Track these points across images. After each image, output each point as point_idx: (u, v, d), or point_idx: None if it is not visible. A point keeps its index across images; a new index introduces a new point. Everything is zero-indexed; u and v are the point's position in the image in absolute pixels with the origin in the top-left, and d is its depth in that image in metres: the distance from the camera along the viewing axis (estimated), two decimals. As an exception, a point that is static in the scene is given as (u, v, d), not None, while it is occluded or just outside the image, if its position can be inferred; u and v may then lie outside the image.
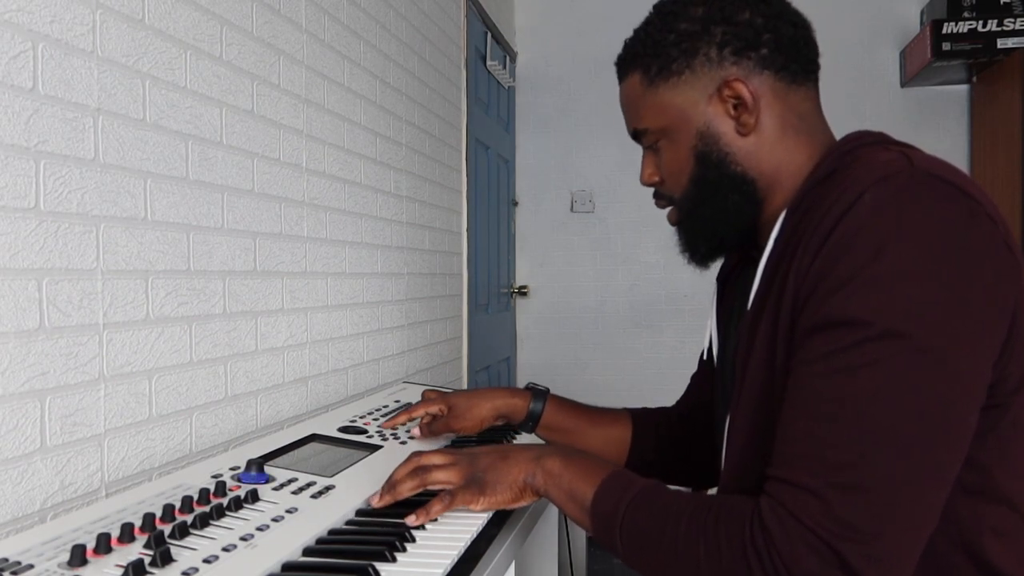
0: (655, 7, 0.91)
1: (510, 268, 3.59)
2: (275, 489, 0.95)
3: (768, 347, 0.77)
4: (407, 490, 0.91)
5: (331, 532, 0.86)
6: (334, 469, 1.06)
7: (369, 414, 1.41)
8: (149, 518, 0.78)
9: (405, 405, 1.42)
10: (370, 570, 0.73)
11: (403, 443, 1.24)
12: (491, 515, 0.93)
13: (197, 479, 0.95)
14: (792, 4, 0.88)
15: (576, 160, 3.64)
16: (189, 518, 0.81)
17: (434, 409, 1.22)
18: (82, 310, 0.94)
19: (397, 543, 0.80)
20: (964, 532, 0.72)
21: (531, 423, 1.17)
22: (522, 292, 3.65)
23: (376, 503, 0.92)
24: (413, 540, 0.83)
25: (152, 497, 0.88)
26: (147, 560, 0.70)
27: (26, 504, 0.86)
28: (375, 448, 1.19)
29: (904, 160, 0.71)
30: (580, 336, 3.64)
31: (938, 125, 3.32)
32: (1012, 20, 2.92)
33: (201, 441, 1.16)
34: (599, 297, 3.64)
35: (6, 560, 0.68)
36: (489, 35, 3.04)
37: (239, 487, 0.94)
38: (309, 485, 0.97)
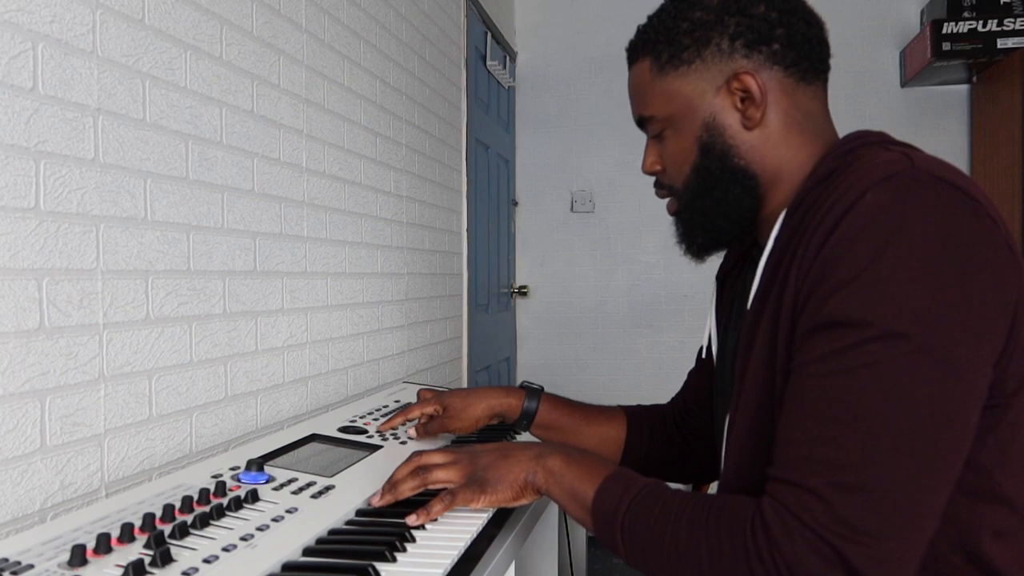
0: None
1: (510, 268, 3.59)
2: (275, 489, 0.95)
3: (769, 347, 0.77)
4: (408, 490, 0.91)
5: (331, 532, 0.86)
6: (334, 469, 1.06)
7: (369, 414, 1.41)
8: (149, 518, 0.78)
9: (404, 406, 1.42)
10: (370, 570, 0.73)
11: (403, 443, 1.24)
12: (491, 515, 0.93)
13: (197, 479, 0.95)
14: (807, 3, 0.88)
15: (576, 160, 3.65)
16: (189, 518, 0.81)
17: (429, 409, 1.22)
18: (82, 310, 0.94)
19: (397, 543, 0.80)
20: (963, 533, 0.72)
21: (525, 421, 1.17)
22: (522, 292, 3.65)
23: (377, 502, 0.92)
24: (413, 540, 0.83)
25: (152, 497, 0.87)
26: (147, 560, 0.70)
27: (26, 504, 0.86)
28: (375, 448, 1.19)
29: (906, 160, 0.71)
30: (580, 336, 3.64)
31: (938, 125, 3.32)
32: (1012, 20, 2.92)
33: (201, 441, 1.16)
34: (599, 297, 3.64)
35: (6, 560, 0.68)
36: (489, 35, 3.04)
37: (239, 487, 0.94)
38: (309, 485, 0.97)
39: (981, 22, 2.93)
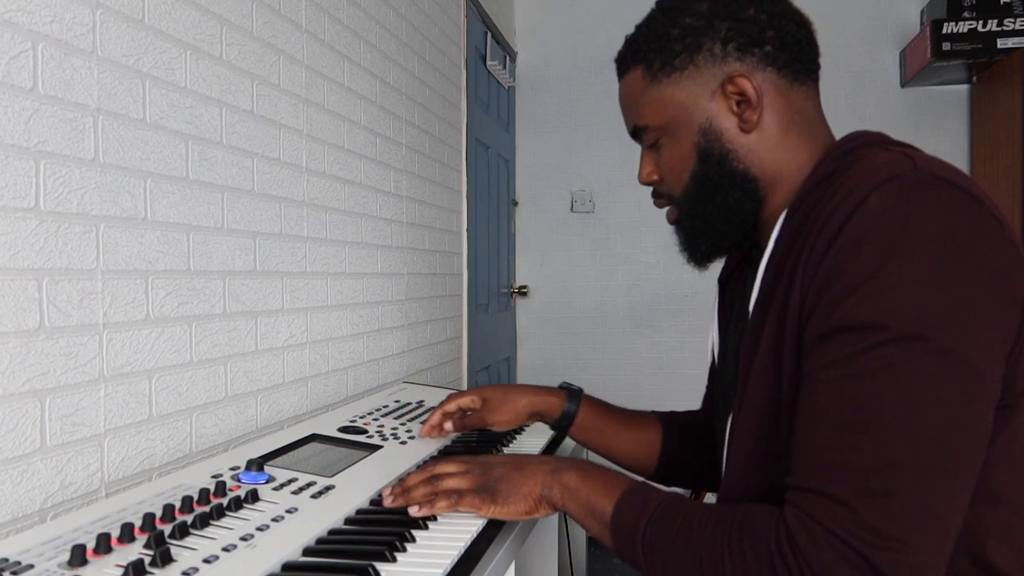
0: (658, 3, 0.91)
1: (510, 268, 3.59)
2: (275, 489, 0.95)
3: (773, 353, 0.77)
4: (419, 496, 0.90)
5: (331, 532, 0.86)
6: (334, 469, 1.06)
7: (369, 414, 1.41)
8: (149, 518, 0.78)
9: (423, 408, 1.37)
10: (370, 570, 0.73)
11: (403, 443, 1.24)
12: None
13: (197, 479, 0.95)
14: (794, 3, 0.88)
15: (576, 160, 3.65)
16: (189, 518, 0.81)
17: (467, 401, 1.21)
18: (82, 310, 0.94)
19: (397, 543, 0.80)
20: (968, 535, 0.71)
21: (566, 423, 1.16)
22: (522, 292, 3.65)
23: (388, 503, 0.92)
24: (413, 540, 0.83)
25: (152, 497, 0.87)
26: (147, 560, 0.70)
27: (26, 504, 0.86)
28: (375, 448, 1.19)
29: (906, 161, 0.71)
30: (580, 336, 3.64)
31: (938, 125, 3.32)
32: (1012, 20, 2.92)
33: (201, 441, 1.16)
34: (599, 297, 3.64)
35: (6, 560, 0.68)
36: (489, 35, 3.04)
37: (239, 487, 0.94)
38: (309, 485, 0.97)
39: (981, 22, 2.93)
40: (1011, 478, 0.72)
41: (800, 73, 0.85)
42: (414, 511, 0.87)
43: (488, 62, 3.02)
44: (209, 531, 0.79)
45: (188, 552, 0.74)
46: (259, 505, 0.89)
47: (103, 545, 0.72)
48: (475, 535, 0.87)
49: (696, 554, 0.72)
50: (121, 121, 1.00)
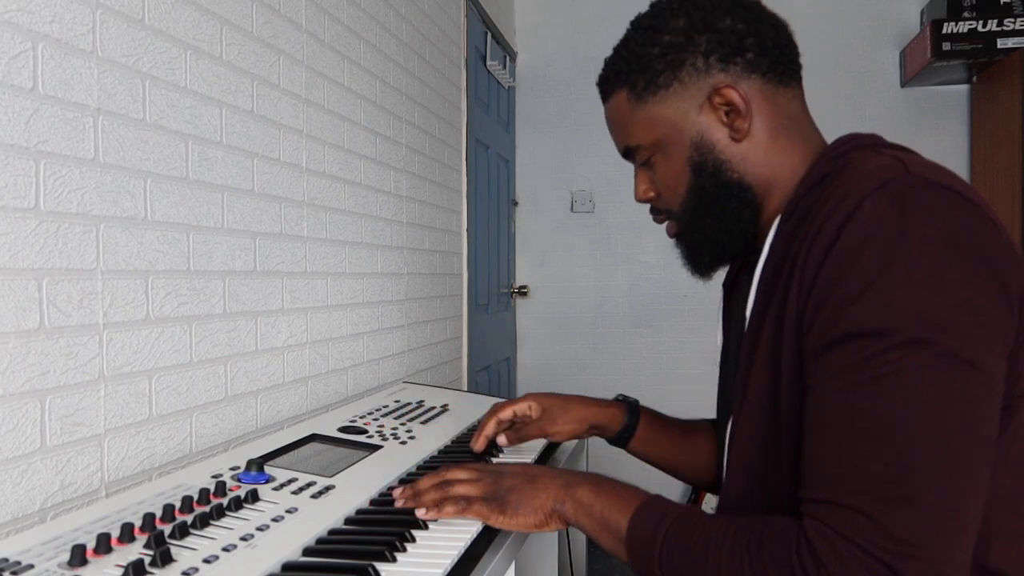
0: (632, 24, 0.91)
1: (510, 268, 3.59)
2: (275, 489, 0.95)
3: (771, 362, 0.77)
4: (429, 501, 0.90)
5: (331, 532, 0.86)
6: (334, 469, 1.06)
7: (369, 414, 1.41)
8: (149, 518, 0.78)
9: (492, 409, 1.19)
10: (370, 570, 0.73)
11: (403, 443, 1.24)
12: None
13: (197, 479, 0.95)
14: (769, 7, 0.88)
15: (576, 160, 3.65)
16: (189, 518, 0.81)
17: (523, 407, 1.15)
18: (82, 310, 0.94)
19: (397, 543, 0.80)
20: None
21: (626, 436, 1.14)
22: (522, 292, 3.64)
23: (399, 504, 0.92)
24: (413, 540, 0.83)
25: (152, 497, 0.87)
26: (147, 560, 0.70)
27: (26, 504, 0.86)
28: (375, 448, 1.19)
29: (899, 166, 0.71)
30: (580, 336, 3.64)
31: (938, 125, 3.32)
32: (1012, 20, 2.92)
33: (201, 441, 1.16)
34: (599, 297, 3.64)
35: (6, 560, 0.68)
36: (489, 35, 3.04)
37: (239, 487, 0.94)
38: (309, 485, 0.97)
39: (981, 22, 2.93)
40: (1011, 479, 0.72)
41: (784, 76, 0.86)
42: (421, 514, 0.87)
43: (488, 62, 3.02)
44: (209, 531, 0.79)
45: (188, 552, 0.74)
46: (259, 505, 0.89)
47: (103, 545, 0.72)
48: (475, 535, 0.87)
49: (715, 569, 0.71)
50: (121, 121, 1.00)
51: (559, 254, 3.67)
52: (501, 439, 1.15)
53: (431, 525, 0.88)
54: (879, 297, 0.66)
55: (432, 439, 1.28)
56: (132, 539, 0.75)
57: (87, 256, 0.95)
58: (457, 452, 1.23)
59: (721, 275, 1.03)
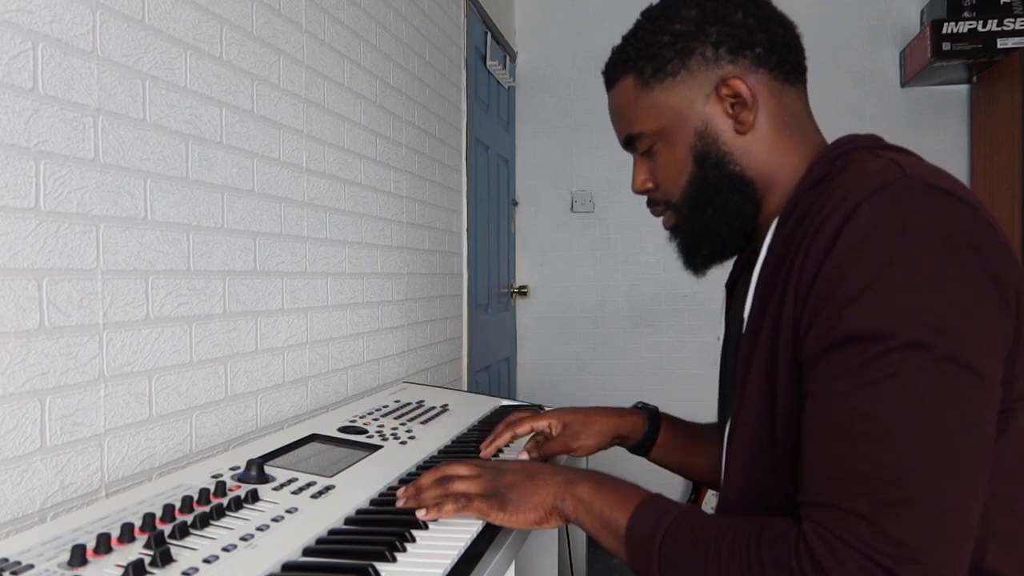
0: (643, 14, 0.91)
1: (510, 268, 3.59)
2: (275, 489, 0.95)
3: (768, 364, 0.77)
4: (431, 498, 0.90)
5: (331, 532, 0.86)
6: (334, 469, 1.06)
7: (369, 414, 1.41)
8: (149, 518, 0.78)
9: (505, 420, 1.19)
10: (370, 570, 0.73)
11: (403, 443, 1.24)
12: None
13: (197, 479, 0.95)
14: (779, 7, 0.89)
15: (576, 160, 3.65)
16: (189, 518, 0.81)
17: (542, 424, 1.15)
18: (82, 310, 0.94)
19: (397, 543, 0.80)
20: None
21: (648, 443, 1.14)
22: (522, 292, 3.64)
23: (400, 503, 0.92)
24: (413, 540, 0.83)
25: (152, 497, 0.88)
26: (147, 560, 0.70)
27: (26, 504, 0.86)
28: (375, 448, 1.19)
29: (896, 168, 0.71)
30: (580, 336, 3.64)
31: (938, 125, 3.32)
32: (1012, 20, 2.92)
33: (201, 441, 1.16)
34: (599, 297, 3.64)
35: (6, 560, 0.68)
36: (489, 35, 3.04)
37: (239, 487, 0.94)
38: (309, 485, 0.97)
39: (981, 22, 2.93)
40: (1008, 483, 0.72)
41: (790, 74, 0.86)
42: (421, 514, 0.87)
43: (488, 62, 3.02)
44: (209, 531, 0.79)
45: (188, 552, 0.74)
46: (259, 505, 0.89)
47: (103, 545, 0.72)
48: (475, 535, 0.87)
49: (715, 570, 0.71)
50: (121, 121, 1.00)
51: (559, 254, 3.67)
52: (523, 455, 1.15)
53: (431, 525, 0.88)
54: (879, 298, 0.66)
55: (432, 439, 1.28)
56: (132, 539, 0.75)
57: (87, 256, 0.95)
58: (457, 452, 1.23)
59: (721, 275, 1.03)
